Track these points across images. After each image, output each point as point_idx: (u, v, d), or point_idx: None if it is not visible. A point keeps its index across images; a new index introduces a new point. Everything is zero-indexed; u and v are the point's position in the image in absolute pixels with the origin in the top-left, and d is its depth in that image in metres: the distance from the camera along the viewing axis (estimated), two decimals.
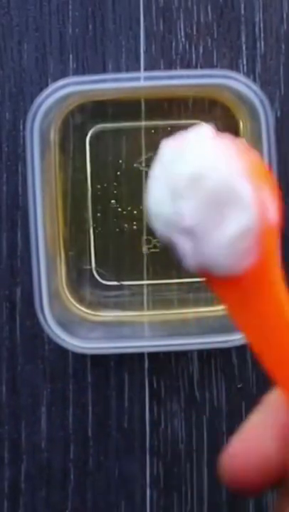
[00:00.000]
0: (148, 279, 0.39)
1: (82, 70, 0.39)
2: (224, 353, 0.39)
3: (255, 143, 0.36)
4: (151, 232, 0.38)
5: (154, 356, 0.39)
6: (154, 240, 0.38)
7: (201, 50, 0.39)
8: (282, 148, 0.38)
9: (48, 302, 0.36)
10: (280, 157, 0.36)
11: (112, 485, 0.39)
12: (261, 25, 0.39)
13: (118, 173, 0.39)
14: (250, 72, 0.39)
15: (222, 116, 0.38)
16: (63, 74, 0.39)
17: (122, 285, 0.39)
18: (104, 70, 0.39)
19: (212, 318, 0.38)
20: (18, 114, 0.39)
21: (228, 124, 0.38)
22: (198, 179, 0.20)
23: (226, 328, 0.36)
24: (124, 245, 0.39)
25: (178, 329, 0.38)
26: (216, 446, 0.39)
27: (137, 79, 0.36)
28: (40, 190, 0.35)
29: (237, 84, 0.35)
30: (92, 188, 0.39)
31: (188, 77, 0.36)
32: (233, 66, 0.39)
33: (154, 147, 0.37)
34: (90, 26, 0.39)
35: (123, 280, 0.39)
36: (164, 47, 0.39)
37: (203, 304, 0.38)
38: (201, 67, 0.39)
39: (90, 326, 0.38)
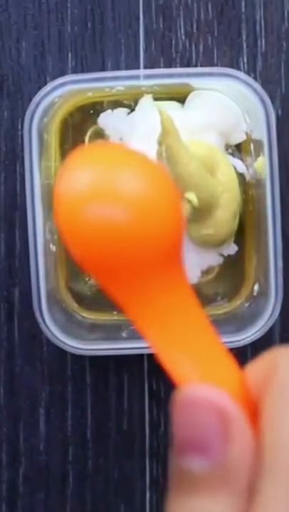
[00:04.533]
0: None
1: (81, 68, 0.39)
2: None
3: (256, 141, 0.36)
4: None
5: (153, 357, 0.39)
6: None
7: (201, 48, 0.39)
8: (283, 146, 0.38)
9: (47, 303, 0.36)
10: (280, 155, 0.35)
11: (111, 487, 0.39)
12: (262, 22, 0.39)
13: None
14: (251, 71, 0.39)
15: None
16: (62, 72, 0.39)
17: None
18: (103, 68, 0.39)
19: (211, 319, 0.37)
20: (16, 112, 0.39)
21: None
22: None
23: (226, 329, 0.36)
24: None
25: None
26: None
27: (137, 77, 0.36)
28: (38, 190, 0.35)
29: (238, 82, 0.35)
30: None
31: (188, 75, 0.36)
32: (234, 64, 0.39)
33: None
34: (89, 24, 0.39)
35: None
36: (164, 45, 0.39)
37: (202, 304, 0.38)
38: (201, 66, 0.39)
39: (89, 327, 0.38)
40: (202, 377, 0.21)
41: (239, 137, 0.37)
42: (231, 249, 0.38)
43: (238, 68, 0.39)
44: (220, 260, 0.38)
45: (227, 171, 0.36)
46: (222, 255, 0.38)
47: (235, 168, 0.37)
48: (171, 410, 0.20)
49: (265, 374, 0.20)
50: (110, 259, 0.20)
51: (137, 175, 0.20)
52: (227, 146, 0.37)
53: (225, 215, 0.36)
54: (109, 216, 0.19)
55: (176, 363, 0.21)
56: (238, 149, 0.38)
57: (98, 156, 0.21)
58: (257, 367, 0.20)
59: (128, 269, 0.20)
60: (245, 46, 0.39)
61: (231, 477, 0.18)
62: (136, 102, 0.37)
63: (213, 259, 0.38)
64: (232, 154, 0.37)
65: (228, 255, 0.38)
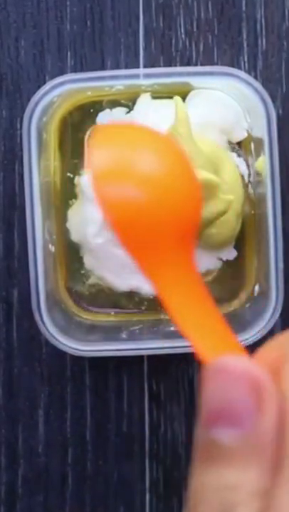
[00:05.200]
0: None
1: (80, 67, 0.39)
2: None
3: (257, 141, 0.36)
4: None
5: (153, 358, 0.39)
6: None
7: (201, 47, 0.39)
8: (284, 146, 0.38)
9: (46, 304, 0.35)
10: (281, 155, 0.35)
11: (111, 489, 0.39)
12: (263, 21, 0.39)
13: None
14: (252, 70, 0.38)
15: None
16: (61, 71, 0.38)
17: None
18: (102, 67, 0.39)
19: None
20: (15, 111, 0.39)
21: None
22: None
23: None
24: None
25: (177, 331, 0.37)
26: None
27: (136, 76, 0.36)
28: (37, 190, 0.35)
29: (238, 81, 0.35)
30: None
31: (189, 74, 0.35)
32: (234, 63, 0.38)
33: None
34: (89, 23, 0.39)
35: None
36: (164, 44, 0.39)
37: None
38: (202, 64, 0.38)
39: (88, 328, 0.38)
40: (214, 349, 0.22)
41: (240, 135, 0.37)
42: (231, 254, 0.37)
43: (239, 67, 0.38)
44: (218, 264, 0.37)
45: (231, 170, 0.36)
46: (221, 259, 0.37)
47: (237, 167, 0.37)
48: (202, 382, 0.20)
49: (278, 353, 0.20)
50: (132, 228, 0.23)
51: (151, 156, 0.24)
52: (229, 144, 0.37)
53: (228, 214, 0.35)
54: (127, 193, 0.23)
55: (192, 335, 0.23)
56: (239, 149, 0.37)
57: (119, 137, 0.25)
58: (268, 349, 0.21)
59: (147, 238, 0.23)
60: (245, 45, 0.39)
61: (261, 447, 0.19)
62: (134, 103, 0.37)
63: (211, 263, 0.37)
64: (234, 152, 0.37)
65: (227, 260, 0.37)
